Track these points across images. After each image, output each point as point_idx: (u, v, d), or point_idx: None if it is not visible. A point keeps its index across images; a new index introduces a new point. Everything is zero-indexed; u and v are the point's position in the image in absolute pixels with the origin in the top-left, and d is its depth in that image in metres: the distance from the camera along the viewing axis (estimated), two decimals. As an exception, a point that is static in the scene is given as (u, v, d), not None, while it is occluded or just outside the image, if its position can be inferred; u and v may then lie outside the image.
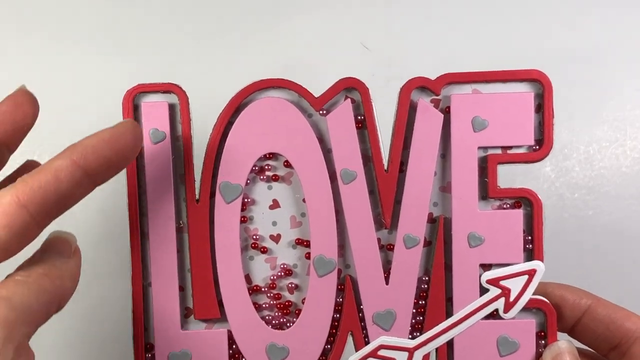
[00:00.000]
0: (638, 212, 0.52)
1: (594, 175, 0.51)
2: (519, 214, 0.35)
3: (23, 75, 0.50)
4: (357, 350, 0.36)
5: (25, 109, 0.30)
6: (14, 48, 0.51)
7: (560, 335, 0.36)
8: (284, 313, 0.36)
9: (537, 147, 0.35)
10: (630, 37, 0.52)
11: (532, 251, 0.35)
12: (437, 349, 0.36)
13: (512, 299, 0.35)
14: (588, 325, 0.35)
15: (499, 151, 0.35)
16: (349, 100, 0.35)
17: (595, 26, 0.51)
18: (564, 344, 0.35)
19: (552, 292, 0.36)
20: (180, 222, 0.35)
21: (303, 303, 0.36)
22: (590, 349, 0.36)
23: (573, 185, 0.51)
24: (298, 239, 0.36)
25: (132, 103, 0.34)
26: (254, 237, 0.36)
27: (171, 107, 0.35)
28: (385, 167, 0.35)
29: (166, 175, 0.35)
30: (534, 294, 0.35)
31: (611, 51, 0.51)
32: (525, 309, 0.35)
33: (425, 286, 0.36)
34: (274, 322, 0.36)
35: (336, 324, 0.36)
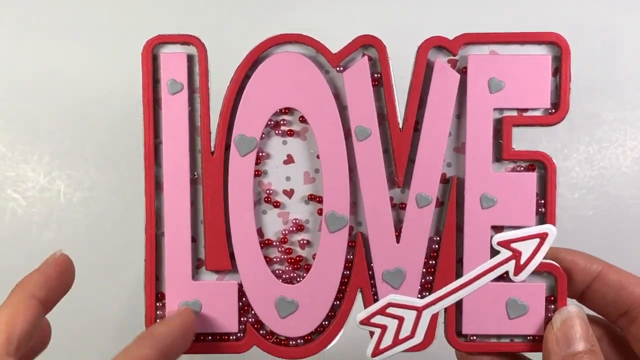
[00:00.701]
0: (638, 212, 0.51)
1: (594, 175, 0.51)
2: (532, 177, 0.35)
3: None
4: (365, 307, 0.36)
5: (67, 277, 0.32)
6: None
7: (569, 301, 0.36)
8: (295, 268, 0.36)
9: (553, 110, 0.35)
10: (630, 37, 0.51)
11: (544, 215, 0.35)
12: (445, 309, 0.36)
13: (522, 261, 0.35)
14: (598, 291, 0.35)
15: (514, 113, 0.35)
16: (366, 57, 0.35)
17: (594, 26, 0.51)
18: (574, 309, 0.35)
19: (564, 257, 0.36)
20: (195, 173, 0.36)
21: (314, 258, 0.36)
22: (599, 316, 0.36)
23: (573, 185, 0.51)
24: (311, 195, 0.36)
25: (152, 53, 0.35)
26: (267, 191, 0.36)
27: (189, 59, 0.35)
28: (400, 126, 0.35)
29: (182, 126, 0.35)
30: (545, 258, 0.35)
31: (611, 51, 0.51)
32: (536, 272, 0.35)
33: (436, 246, 0.36)
34: (284, 276, 0.36)
35: (346, 280, 0.36)
